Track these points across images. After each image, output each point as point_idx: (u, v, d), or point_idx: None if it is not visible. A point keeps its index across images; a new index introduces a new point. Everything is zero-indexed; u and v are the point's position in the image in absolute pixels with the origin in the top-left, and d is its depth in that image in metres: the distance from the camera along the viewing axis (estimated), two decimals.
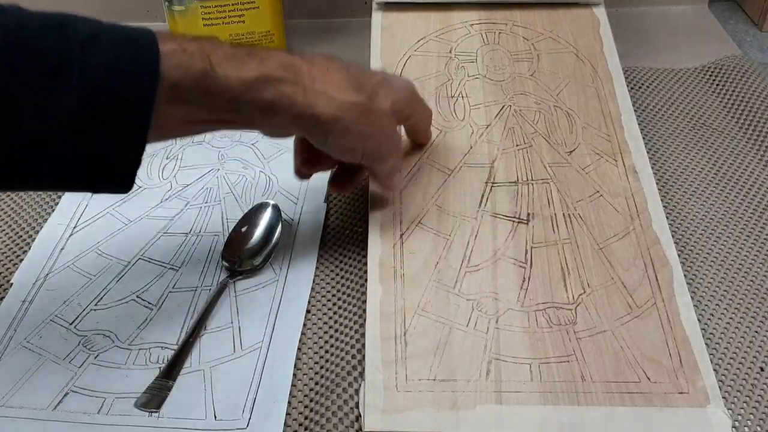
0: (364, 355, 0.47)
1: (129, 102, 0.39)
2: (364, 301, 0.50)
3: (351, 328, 0.51)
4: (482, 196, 0.56)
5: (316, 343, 0.51)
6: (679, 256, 0.52)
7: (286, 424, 0.45)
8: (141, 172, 0.65)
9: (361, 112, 0.47)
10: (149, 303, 0.53)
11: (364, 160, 0.49)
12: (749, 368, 0.48)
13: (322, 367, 0.49)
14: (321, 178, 0.65)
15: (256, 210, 0.59)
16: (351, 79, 0.47)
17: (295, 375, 0.48)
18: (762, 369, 0.48)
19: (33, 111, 0.37)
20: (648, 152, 0.59)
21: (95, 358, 0.50)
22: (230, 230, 0.58)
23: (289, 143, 0.68)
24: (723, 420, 0.43)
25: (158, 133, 0.41)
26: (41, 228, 0.60)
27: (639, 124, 0.61)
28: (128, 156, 0.41)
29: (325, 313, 0.53)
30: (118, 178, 0.42)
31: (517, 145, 0.59)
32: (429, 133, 0.59)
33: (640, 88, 0.73)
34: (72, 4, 0.85)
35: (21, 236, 0.60)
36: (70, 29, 0.38)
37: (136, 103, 0.39)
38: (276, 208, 0.59)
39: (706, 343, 0.47)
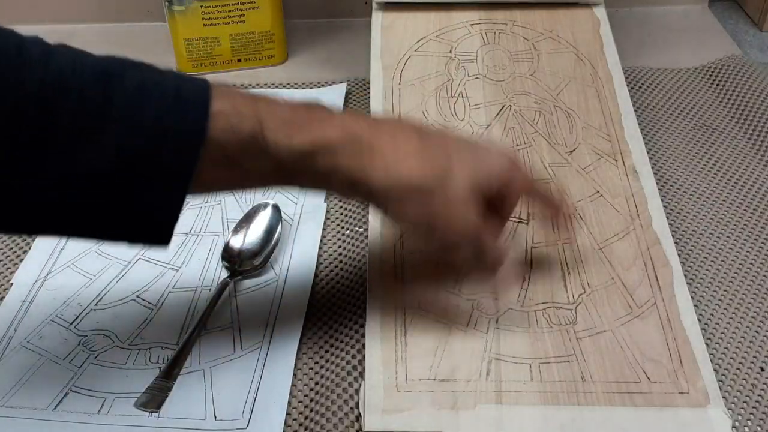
0: (364, 355, 0.47)
1: (170, 163, 0.37)
2: (364, 301, 0.50)
3: (351, 328, 0.51)
4: None
5: (316, 343, 0.51)
6: (679, 256, 0.52)
7: (286, 424, 0.45)
8: None
9: (423, 195, 0.40)
10: (149, 303, 0.53)
11: (432, 245, 0.45)
12: (749, 368, 0.48)
13: (322, 367, 0.49)
14: None
15: (256, 210, 0.59)
16: (422, 148, 0.41)
17: (295, 375, 0.48)
18: (762, 369, 0.48)
19: (67, 162, 0.35)
20: (648, 152, 0.59)
21: (95, 358, 0.50)
22: (230, 230, 0.58)
23: None
24: (723, 420, 0.43)
25: (201, 189, 0.40)
26: None
27: (639, 124, 0.61)
28: (165, 214, 0.39)
29: (324, 314, 0.53)
30: (155, 233, 0.40)
31: (517, 145, 0.59)
32: (552, 200, 0.48)
33: (640, 88, 0.73)
34: (73, 3, 0.85)
35: (21, 236, 0.60)
36: (116, 80, 0.36)
37: (177, 164, 0.37)
38: (276, 208, 0.59)
39: (706, 343, 0.47)
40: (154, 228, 0.39)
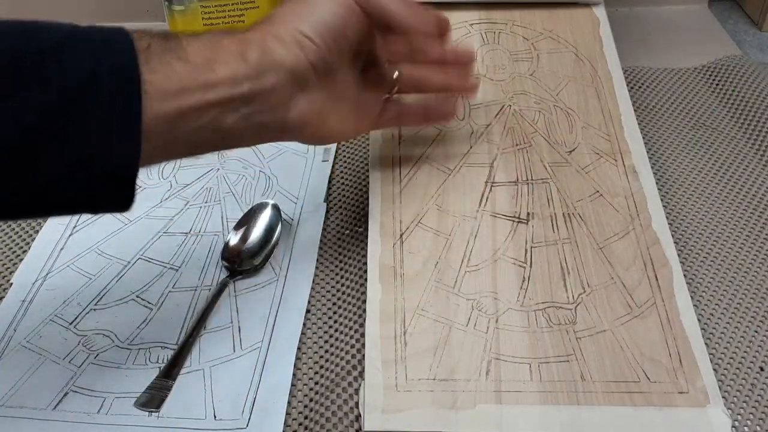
0: (364, 355, 0.47)
1: (115, 102, 0.36)
2: (364, 301, 0.50)
3: (351, 328, 0.51)
4: (482, 195, 0.56)
5: (316, 343, 0.51)
6: (679, 256, 0.52)
7: (286, 424, 0.45)
8: (141, 172, 0.66)
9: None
10: (149, 303, 0.53)
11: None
12: (749, 368, 0.48)
13: (322, 367, 0.49)
14: (320, 179, 0.65)
15: (256, 210, 0.59)
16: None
17: (295, 375, 0.48)
18: (762, 369, 0.48)
19: (8, 115, 0.34)
20: (648, 152, 0.59)
21: (95, 357, 0.50)
22: (230, 230, 0.58)
23: (289, 145, 0.68)
24: (723, 420, 0.43)
25: (147, 158, 0.38)
26: (41, 228, 0.60)
27: (639, 124, 0.61)
28: (123, 162, 0.37)
29: (325, 313, 0.53)
30: (117, 189, 0.38)
31: (516, 145, 0.59)
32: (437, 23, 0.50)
33: (640, 88, 0.73)
34: (73, 3, 0.85)
35: (21, 236, 0.60)
36: (43, 32, 0.36)
37: (123, 103, 0.36)
38: (276, 208, 0.59)
39: (706, 343, 0.47)
40: (115, 182, 0.37)
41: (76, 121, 0.35)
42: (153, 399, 0.47)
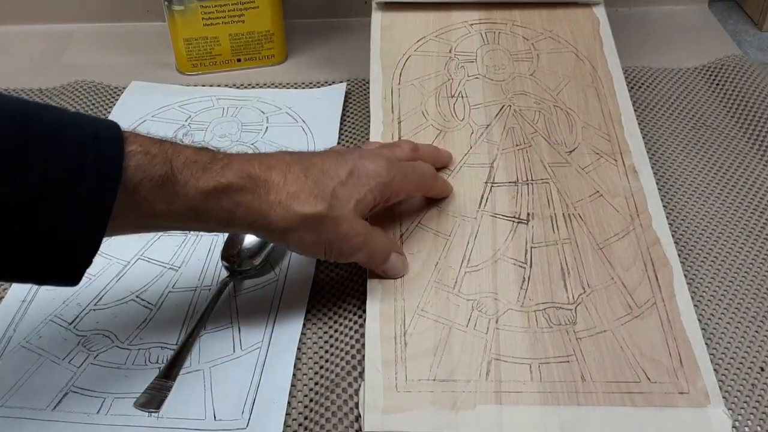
0: (364, 355, 0.47)
1: (89, 199, 0.38)
2: (364, 301, 0.50)
3: (351, 328, 0.51)
4: (482, 196, 0.56)
5: (315, 343, 0.51)
6: (679, 256, 0.52)
7: (286, 424, 0.45)
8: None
9: (316, 222, 0.46)
10: (149, 303, 0.53)
11: (332, 259, 0.49)
12: (749, 368, 0.48)
13: (322, 367, 0.49)
14: None
15: None
16: (309, 186, 0.46)
17: (295, 375, 0.48)
18: (762, 369, 0.48)
19: None
20: (648, 152, 0.59)
21: (95, 358, 0.50)
22: None
23: (289, 144, 0.69)
24: (723, 420, 0.43)
25: (113, 231, 0.40)
26: None
27: (639, 124, 0.61)
28: (81, 252, 0.39)
29: (325, 314, 0.53)
30: (67, 271, 0.40)
31: (516, 145, 0.59)
32: (440, 188, 0.55)
33: (640, 88, 0.73)
34: (73, 3, 0.85)
35: None
36: (33, 119, 0.37)
37: (95, 201, 0.38)
38: None
39: (706, 343, 0.47)
40: (67, 266, 0.40)
41: (52, 206, 0.37)
42: (153, 399, 0.47)
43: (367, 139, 0.65)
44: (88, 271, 0.54)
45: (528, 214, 0.54)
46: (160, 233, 0.59)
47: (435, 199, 0.55)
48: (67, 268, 0.40)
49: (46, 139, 0.37)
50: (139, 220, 0.42)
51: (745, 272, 0.54)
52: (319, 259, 0.55)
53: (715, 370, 0.46)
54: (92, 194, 0.38)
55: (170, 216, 0.42)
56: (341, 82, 0.76)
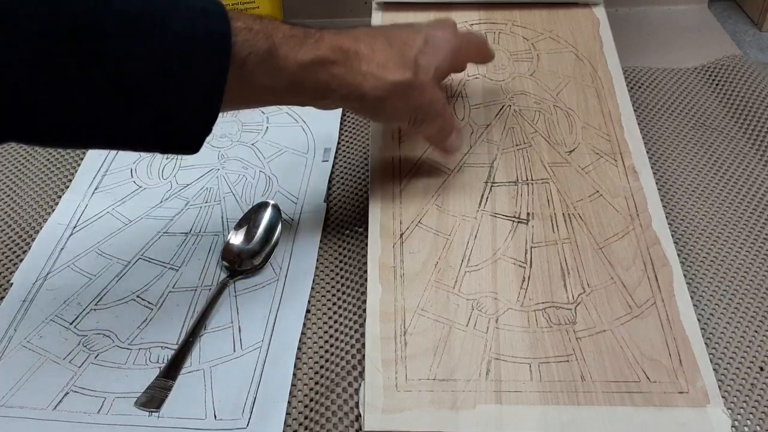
0: (364, 355, 0.47)
1: (203, 71, 0.40)
2: (364, 301, 0.50)
3: (351, 328, 0.51)
4: (482, 196, 0.56)
5: (316, 343, 0.51)
6: (679, 256, 0.52)
7: (286, 424, 0.45)
8: (141, 172, 0.66)
9: (405, 89, 0.49)
10: (149, 303, 0.54)
11: (412, 127, 0.52)
12: (749, 368, 0.48)
13: (322, 367, 0.49)
14: (320, 179, 0.65)
15: (256, 210, 0.59)
16: (395, 55, 0.49)
17: (295, 375, 0.48)
18: (762, 369, 0.48)
19: (116, 62, 0.38)
20: (648, 152, 0.59)
21: (95, 358, 0.50)
22: (230, 230, 0.58)
23: (289, 144, 0.69)
24: (723, 420, 0.43)
25: (224, 106, 0.42)
26: (41, 228, 0.60)
27: (639, 124, 0.61)
28: (200, 122, 0.42)
29: (325, 313, 0.53)
30: (189, 140, 0.43)
31: (516, 145, 0.59)
32: (491, 54, 0.59)
33: (640, 88, 0.73)
34: None
35: (21, 236, 0.60)
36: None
37: (209, 72, 0.40)
38: (276, 208, 0.59)
39: (706, 343, 0.47)
40: (188, 136, 0.43)
41: (177, 70, 0.40)
42: (153, 399, 0.47)
43: (367, 139, 0.65)
44: (87, 271, 0.55)
45: (528, 213, 0.54)
46: (161, 235, 0.59)
47: (434, 199, 0.55)
48: (189, 138, 0.43)
49: (162, 14, 0.39)
50: (246, 94, 0.45)
51: (745, 272, 0.54)
52: (319, 258, 0.56)
53: (714, 369, 0.46)
54: (207, 66, 0.40)
55: (273, 90, 0.45)
56: None
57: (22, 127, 0.39)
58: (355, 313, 0.52)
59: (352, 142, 0.68)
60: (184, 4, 0.40)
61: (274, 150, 0.67)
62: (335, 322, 0.52)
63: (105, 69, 0.38)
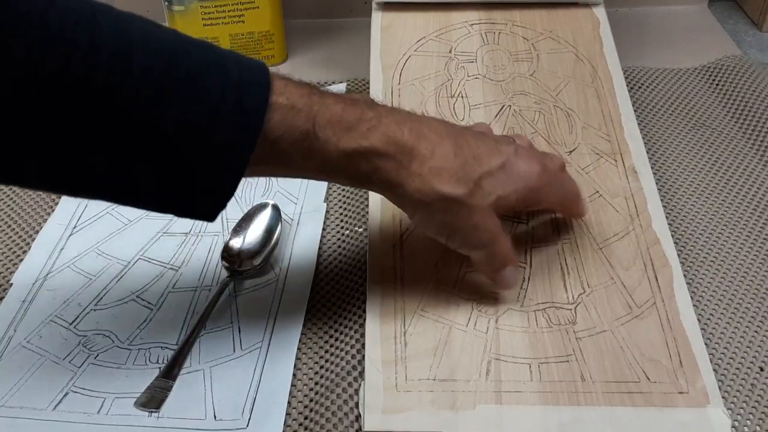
0: (364, 355, 0.47)
1: (227, 147, 0.38)
2: (364, 301, 0.50)
3: (351, 328, 0.51)
4: None
5: (316, 343, 0.51)
6: (679, 256, 0.52)
7: (286, 424, 0.45)
8: None
9: (451, 205, 0.44)
10: (149, 303, 0.53)
11: (451, 246, 0.47)
12: (749, 368, 0.48)
13: (322, 367, 0.49)
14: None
15: (256, 210, 0.59)
16: (456, 166, 0.43)
17: (295, 375, 0.48)
18: (762, 369, 0.48)
19: (127, 132, 0.37)
20: (648, 152, 0.59)
21: (95, 358, 0.50)
22: (230, 230, 0.58)
23: None
24: (723, 420, 0.43)
25: (248, 174, 0.40)
26: (41, 228, 0.60)
27: (639, 124, 0.61)
28: (217, 196, 0.40)
29: (324, 314, 0.53)
30: (204, 210, 0.41)
31: None
32: (580, 209, 0.52)
33: (640, 88, 0.73)
34: None
35: (21, 236, 0.60)
36: (181, 57, 0.37)
37: (233, 150, 0.38)
38: (276, 208, 0.59)
39: (706, 343, 0.47)
40: (204, 206, 0.41)
41: (190, 148, 0.38)
42: (153, 399, 0.47)
43: None
44: (87, 271, 0.55)
45: (528, 213, 0.54)
46: (160, 235, 0.59)
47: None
48: (204, 208, 0.41)
49: (189, 81, 0.37)
50: (274, 169, 0.42)
51: (745, 272, 0.54)
52: (319, 258, 0.56)
53: (714, 370, 0.46)
54: (230, 143, 0.38)
55: (305, 169, 0.42)
56: (341, 82, 0.76)
57: (35, 182, 0.39)
58: (355, 314, 0.52)
59: None
60: (221, 70, 0.38)
61: None
62: (335, 322, 0.52)
63: (120, 130, 0.36)
